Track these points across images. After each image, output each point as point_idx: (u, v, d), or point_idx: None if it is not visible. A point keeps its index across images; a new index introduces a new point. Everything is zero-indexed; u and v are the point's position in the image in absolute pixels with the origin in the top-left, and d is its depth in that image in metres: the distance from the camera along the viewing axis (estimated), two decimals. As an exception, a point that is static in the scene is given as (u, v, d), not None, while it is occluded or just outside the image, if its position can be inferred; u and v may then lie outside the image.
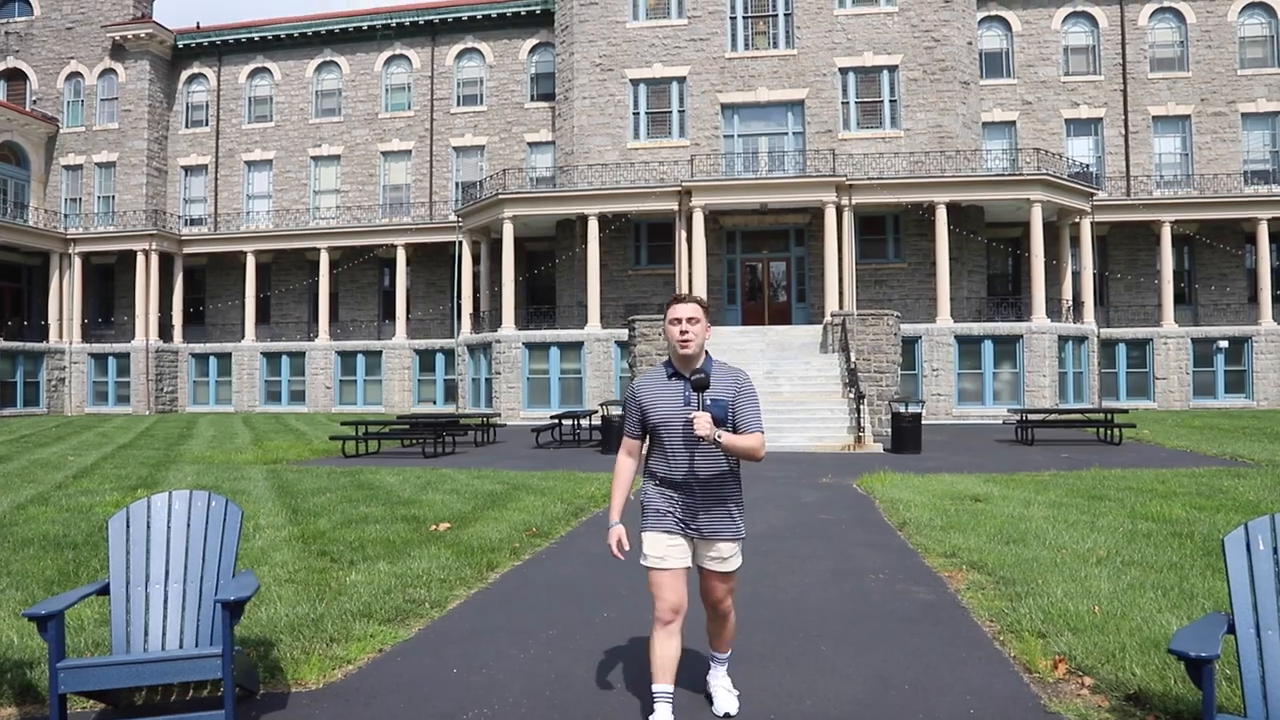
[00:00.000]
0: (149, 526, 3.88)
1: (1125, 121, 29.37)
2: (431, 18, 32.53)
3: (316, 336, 32.09)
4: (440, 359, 31.00)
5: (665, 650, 3.47)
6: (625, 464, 3.69)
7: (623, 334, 24.51)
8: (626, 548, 3.55)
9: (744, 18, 28.15)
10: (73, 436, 20.92)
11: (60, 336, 32.64)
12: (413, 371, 31.23)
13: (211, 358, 33.04)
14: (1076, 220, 26.72)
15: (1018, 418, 18.21)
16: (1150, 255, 28.96)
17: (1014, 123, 29.65)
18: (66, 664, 3.44)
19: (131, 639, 3.74)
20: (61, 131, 35.03)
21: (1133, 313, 28.97)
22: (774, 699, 3.93)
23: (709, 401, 3.45)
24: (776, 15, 28.01)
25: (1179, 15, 29.42)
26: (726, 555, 3.57)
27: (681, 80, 28.17)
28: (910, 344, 23.84)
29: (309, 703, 4.00)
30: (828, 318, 22.15)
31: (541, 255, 29.77)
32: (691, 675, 4.12)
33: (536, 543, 7.66)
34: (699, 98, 27.92)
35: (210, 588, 3.82)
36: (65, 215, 34.74)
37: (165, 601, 3.80)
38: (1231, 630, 3.03)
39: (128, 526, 3.86)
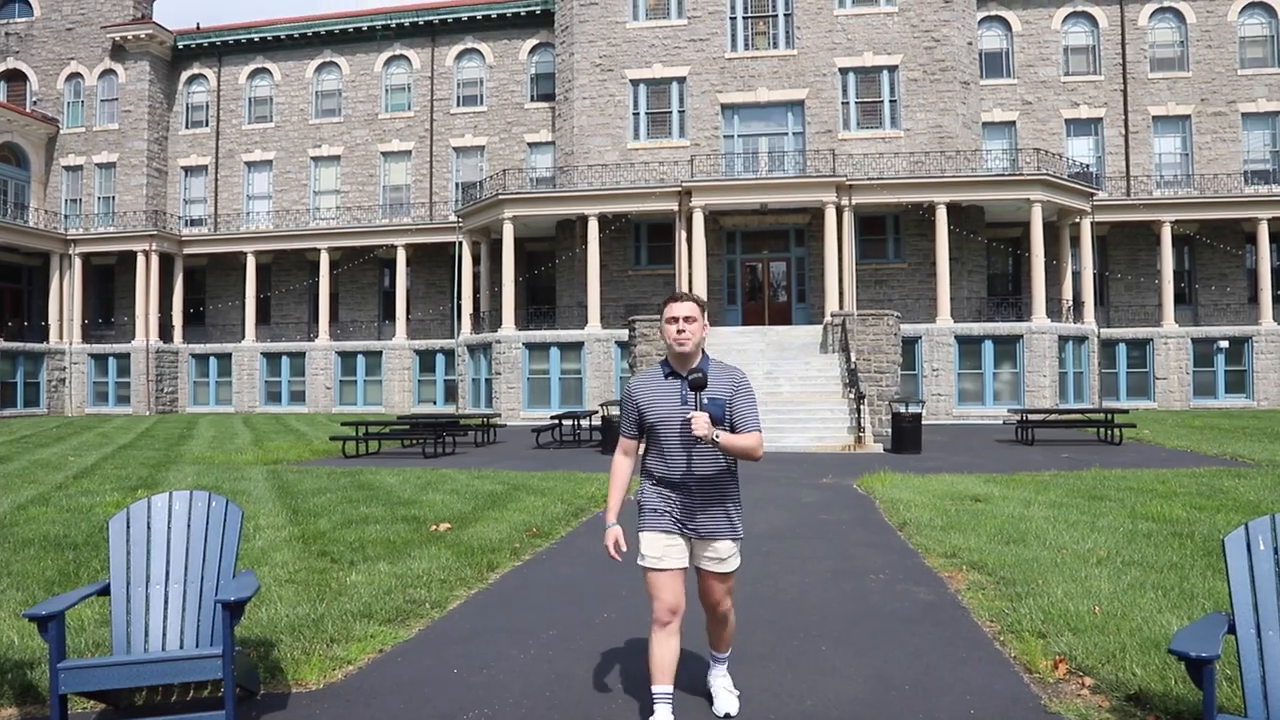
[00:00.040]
0: (149, 527, 3.88)
1: (1125, 121, 29.38)
2: (431, 18, 32.54)
3: (317, 337, 32.09)
4: (440, 359, 31.00)
5: (664, 651, 3.46)
6: (622, 464, 3.67)
7: (623, 334, 24.51)
8: (624, 549, 3.53)
9: (744, 18, 28.15)
10: (73, 437, 20.92)
11: (60, 337, 32.65)
12: (413, 372, 31.23)
13: (212, 358, 33.04)
14: (1077, 220, 26.72)
15: (1018, 418, 18.21)
16: (1150, 255, 28.95)
17: (1014, 123, 29.66)
18: (67, 664, 3.44)
19: (132, 639, 3.74)
20: (62, 132, 35.04)
21: (1133, 313, 28.97)
22: (774, 699, 3.93)
23: (706, 401, 3.43)
24: (776, 15, 28.01)
25: (1179, 15, 29.43)
26: (724, 556, 3.54)
27: (681, 80, 28.17)
28: (910, 344, 23.84)
29: (309, 703, 4.00)
30: (828, 318, 22.14)
31: (542, 255, 29.77)
32: (691, 676, 4.12)
33: (537, 543, 7.65)
34: (699, 98, 27.92)
35: (210, 588, 3.82)
36: (65, 216, 34.75)
37: (165, 602, 3.80)
38: (1232, 630, 3.03)
39: (128, 527, 3.86)
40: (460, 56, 32.87)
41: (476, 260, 29.18)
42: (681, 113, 28.16)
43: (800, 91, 27.51)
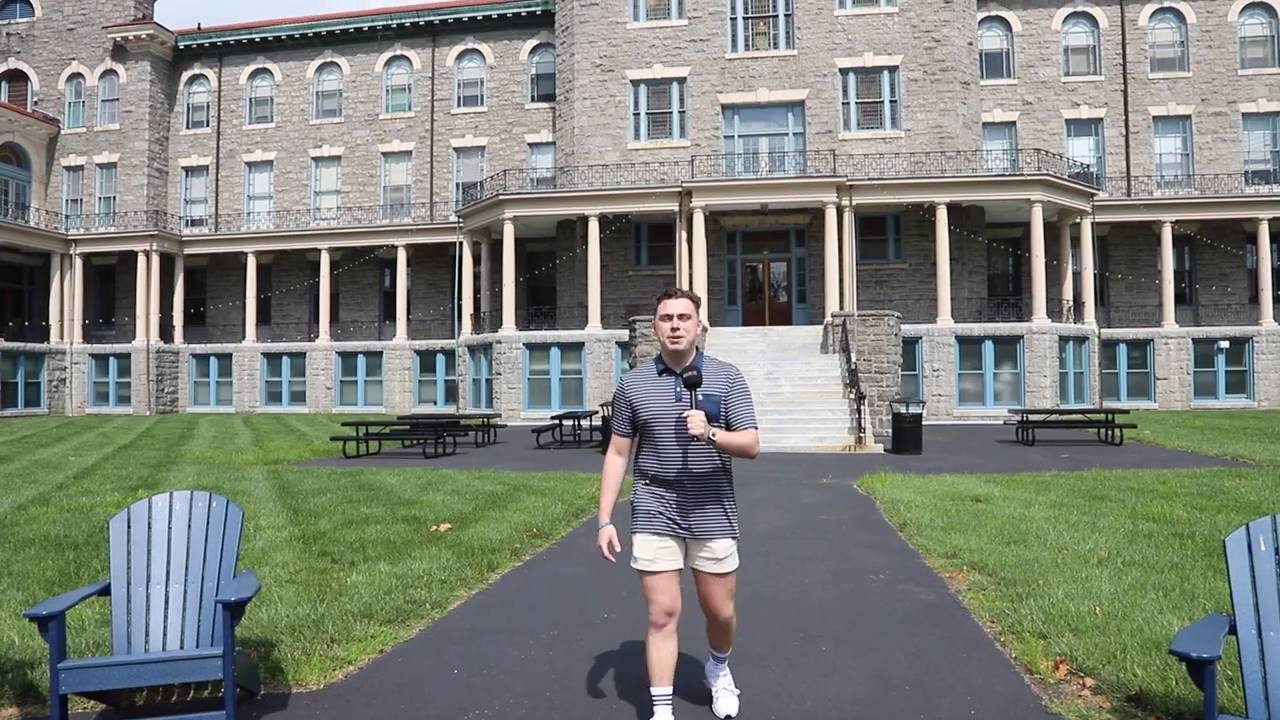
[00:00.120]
0: (150, 527, 3.88)
1: (1126, 122, 29.37)
2: (432, 19, 32.55)
3: (317, 337, 32.10)
4: (441, 360, 31.01)
5: (662, 653, 3.44)
6: (614, 463, 3.61)
7: (623, 334, 24.51)
8: (618, 549, 3.48)
9: (744, 18, 28.15)
10: (74, 437, 20.93)
11: (61, 337, 32.66)
12: (413, 372, 31.24)
13: (212, 358, 33.05)
14: (1077, 220, 26.72)
15: (1018, 418, 18.20)
16: (1151, 255, 28.94)
17: (1014, 123, 29.65)
18: (67, 664, 3.44)
19: (132, 639, 3.74)
20: (63, 132, 35.06)
21: (1133, 313, 28.96)
22: (775, 699, 3.93)
23: (701, 398, 3.39)
24: (777, 16, 28.02)
25: (1179, 15, 29.42)
26: (721, 555, 3.48)
27: (682, 81, 28.17)
28: (911, 344, 23.84)
29: (310, 703, 4.00)
30: (828, 318, 22.14)
31: (542, 256, 29.78)
32: (689, 677, 4.12)
33: (537, 543, 7.65)
34: (699, 98, 27.92)
35: (211, 588, 3.82)
36: (66, 216, 34.76)
37: (166, 602, 3.80)
38: (1233, 631, 3.03)
39: (129, 527, 3.86)
40: (461, 57, 32.88)
41: (477, 260, 29.18)
42: (682, 113, 28.16)
43: (801, 92, 27.51)
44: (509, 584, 6.25)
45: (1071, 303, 26.60)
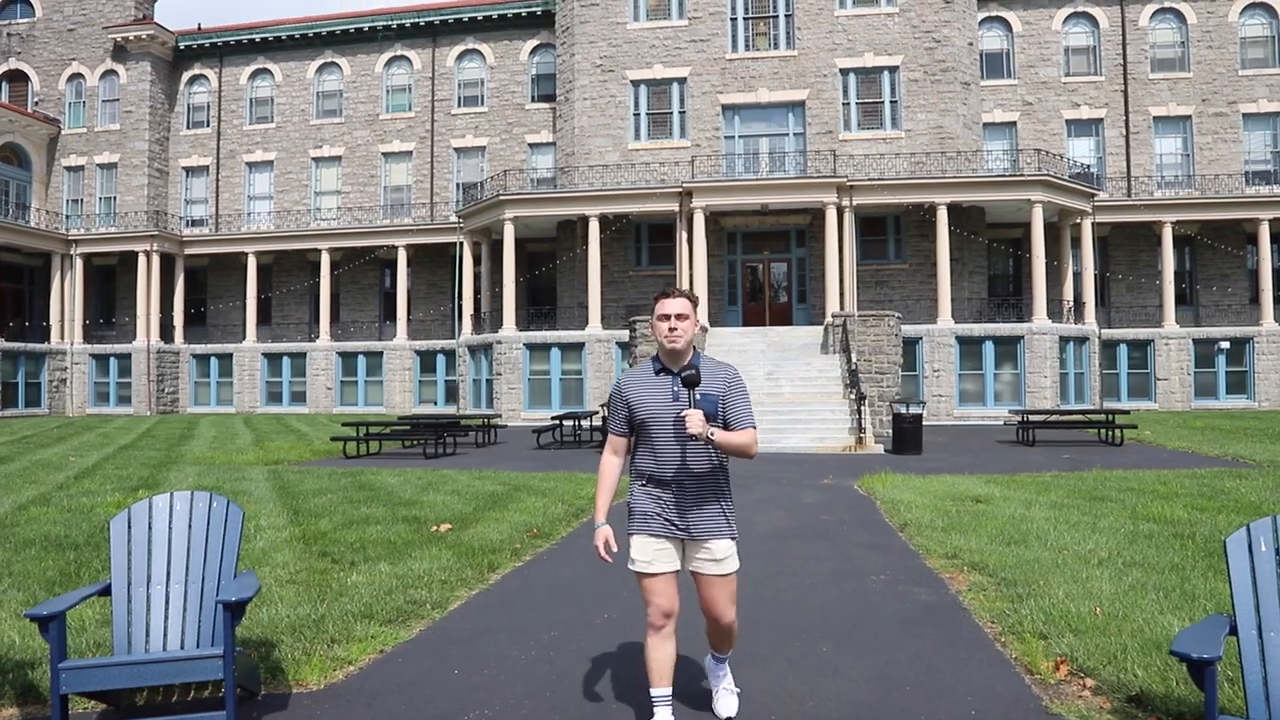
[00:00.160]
0: (150, 527, 3.88)
1: (1126, 122, 29.37)
2: (432, 19, 32.56)
3: (317, 337, 32.10)
4: (441, 360, 31.01)
5: (660, 654, 3.43)
6: (610, 463, 3.59)
7: (624, 335, 24.52)
8: (614, 549, 3.46)
9: (744, 19, 28.16)
10: (74, 437, 20.93)
11: (62, 337, 32.67)
12: (414, 372, 31.24)
13: (213, 359, 33.06)
14: (1077, 221, 26.72)
15: (1019, 418, 18.20)
16: (1151, 256, 28.94)
17: (1015, 123, 29.65)
18: (68, 664, 3.44)
19: (133, 640, 3.74)
20: (63, 133, 35.07)
21: (1134, 313, 28.96)
22: (776, 700, 3.93)
23: (699, 397, 3.36)
24: (777, 16, 28.02)
25: (1180, 16, 29.42)
26: (720, 556, 3.44)
27: (682, 81, 28.18)
28: (911, 345, 23.84)
29: (310, 703, 4.00)
30: (829, 319, 22.14)
31: (542, 256, 29.78)
32: (690, 678, 4.12)
33: (537, 544, 7.66)
34: (700, 99, 27.93)
35: (211, 588, 3.82)
36: (67, 216, 34.77)
37: (166, 602, 3.80)
38: (1233, 632, 3.02)
39: (129, 527, 3.86)
40: (461, 57, 32.89)
41: (477, 261, 29.19)
42: (682, 113, 28.17)
43: (801, 92, 27.51)
44: (509, 584, 6.26)
45: (1072, 303, 26.60)
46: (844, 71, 27.45)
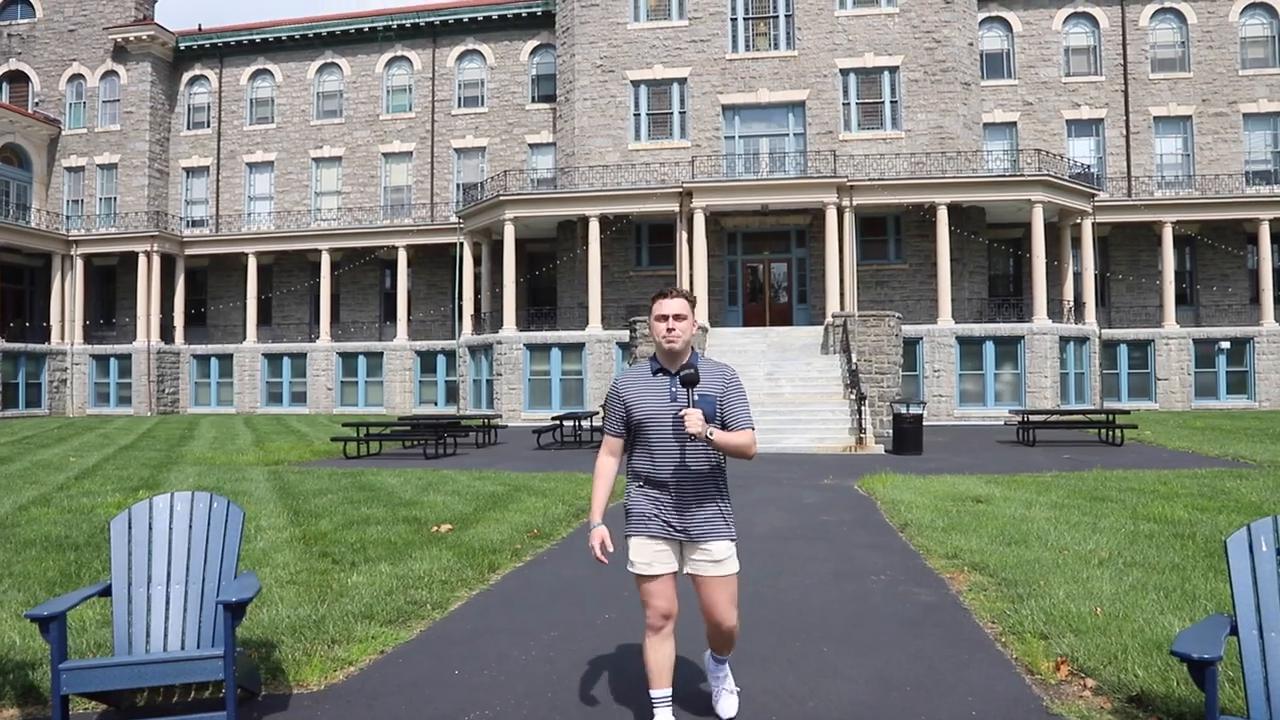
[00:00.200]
0: (151, 528, 3.88)
1: (1126, 122, 29.36)
2: (432, 19, 32.57)
3: (318, 338, 32.11)
4: (441, 360, 31.01)
5: (660, 655, 3.42)
6: (607, 463, 3.55)
7: (624, 335, 24.52)
8: (610, 549, 3.42)
9: (745, 19, 28.16)
10: (74, 438, 20.94)
11: (62, 338, 32.68)
12: (414, 373, 31.24)
13: (213, 359, 33.06)
14: (1078, 221, 26.71)
15: (1019, 419, 18.20)
16: (1152, 256, 28.94)
17: (1015, 123, 29.65)
18: (69, 665, 3.44)
19: (133, 640, 3.74)
20: (63, 133, 35.09)
21: (1134, 313, 28.95)
22: (776, 700, 3.93)
23: (697, 398, 3.34)
24: (777, 16, 28.02)
25: (1180, 16, 29.42)
26: (719, 557, 3.40)
27: (682, 81, 28.18)
28: (911, 345, 23.84)
29: (311, 704, 4.00)
30: (829, 319, 22.15)
31: (543, 256, 29.78)
32: (689, 679, 4.12)
33: (538, 544, 7.66)
34: (700, 99, 27.93)
35: (212, 589, 3.82)
36: (67, 217, 34.79)
37: (167, 603, 3.80)
38: (1234, 632, 3.02)
39: (129, 528, 3.87)
40: (461, 58, 32.89)
41: (478, 261, 29.20)
42: (682, 114, 28.17)
43: (801, 92, 27.52)
44: (510, 585, 6.25)
45: (1072, 303, 26.60)
46: (844, 72, 27.45)
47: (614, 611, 5.42)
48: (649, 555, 3.40)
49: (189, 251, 33.47)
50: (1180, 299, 28.54)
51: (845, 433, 17.20)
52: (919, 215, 25.99)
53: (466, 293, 28.63)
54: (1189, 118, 29.25)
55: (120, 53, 34.36)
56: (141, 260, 32.10)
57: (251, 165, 34.55)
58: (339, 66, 33.88)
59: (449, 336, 31.27)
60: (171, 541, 3.87)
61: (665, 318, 3.41)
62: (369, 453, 16.64)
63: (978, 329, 24.22)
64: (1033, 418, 17.71)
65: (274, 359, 32.43)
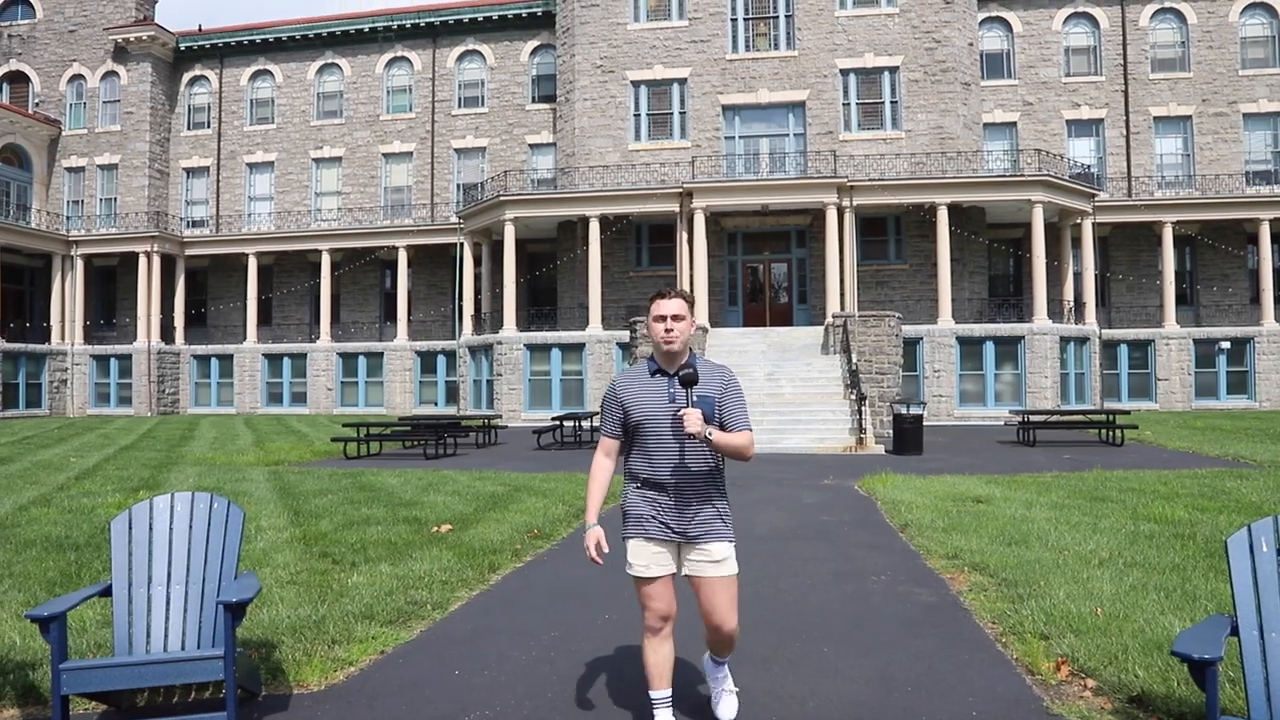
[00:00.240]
0: (151, 528, 3.88)
1: (1126, 122, 29.36)
2: (433, 20, 32.58)
3: (318, 338, 32.11)
4: (442, 360, 31.02)
5: (659, 656, 3.42)
6: (602, 465, 3.51)
7: (624, 335, 24.53)
8: (605, 550, 3.39)
9: (745, 19, 28.17)
10: (75, 438, 20.94)
11: (62, 338, 32.68)
12: (414, 373, 31.25)
13: (213, 359, 33.07)
14: (1078, 221, 26.71)
15: (1019, 419, 18.19)
16: (1152, 256, 28.94)
17: (1015, 124, 29.65)
18: (69, 665, 3.44)
19: (134, 640, 3.74)
20: (64, 134, 35.09)
21: (1134, 313, 28.95)
22: (777, 701, 3.93)
23: (696, 398, 3.31)
24: (777, 17, 28.02)
25: (1180, 16, 29.42)
26: (718, 557, 3.37)
27: (682, 82, 28.19)
28: (912, 345, 23.84)
29: (311, 704, 4.00)
30: (829, 319, 22.14)
31: (543, 257, 29.79)
32: (688, 682, 4.12)
33: (538, 544, 7.66)
34: (700, 99, 27.93)
35: (212, 589, 3.82)
36: (67, 217, 34.79)
37: (167, 603, 3.80)
38: (1235, 632, 3.02)
39: (130, 528, 3.87)
40: (461, 58, 32.90)
41: (478, 261, 29.20)
42: (682, 114, 28.17)
43: (801, 93, 27.52)
44: (510, 585, 6.25)
45: (1072, 303, 26.60)
46: (844, 72, 27.45)
47: (614, 612, 5.42)
48: (647, 558, 3.38)
49: (189, 252, 33.47)
50: (1180, 299, 28.54)
51: (845, 433, 17.20)
52: (919, 215, 25.99)
53: (467, 293, 28.63)
54: (1189, 118, 29.26)
55: (120, 53, 34.37)
56: (142, 260, 32.10)
57: (252, 166, 34.56)
58: (339, 67, 33.89)
59: (449, 337, 31.28)
60: (172, 542, 3.87)
61: (663, 318, 3.39)
62: (369, 453, 16.64)
63: (978, 329, 24.22)
64: (1033, 418, 17.71)
65: (274, 359, 32.43)
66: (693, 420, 3.21)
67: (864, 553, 7.17)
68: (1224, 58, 29.15)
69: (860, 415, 17.03)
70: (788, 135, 27.73)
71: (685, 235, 25.42)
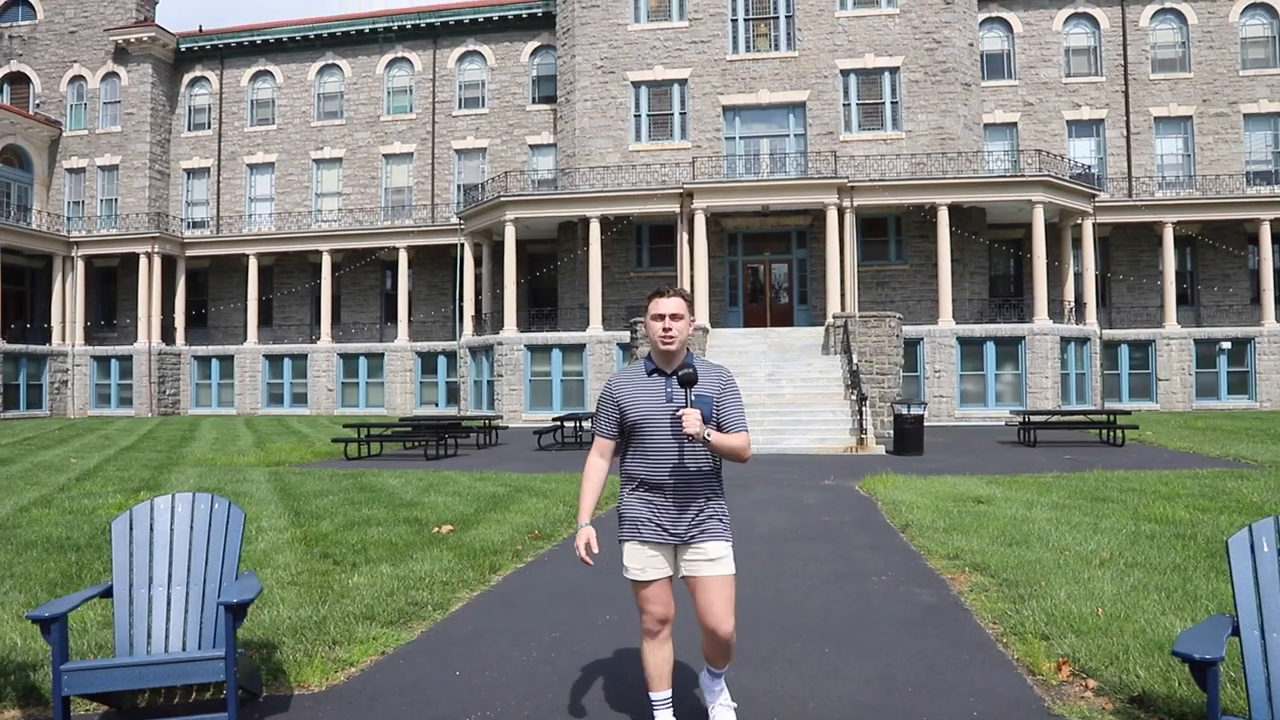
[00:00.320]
0: (152, 529, 3.88)
1: (1127, 122, 29.36)
2: (433, 20, 32.59)
3: (318, 339, 32.12)
4: (442, 361, 31.02)
5: (658, 658, 3.40)
6: (597, 465, 3.47)
7: (624, 336, 24.53)
8: (595, 550, 3.34)
9: (745, 20, 28.17)
10: (75, 439, 20.95)
11: (63, 339, 32.70)
12: (415, 374, 31.25)
13: (214, 360, 33.08)
14: (1078, 221, 26.71)
15: (1020, 419, 18.19)
16: (1152, 256, 28.93)
17: (1015, 124, 29.65)
18: (70, 666, 3.44)
19: (134, 641, 3.74)
20: (64, 134, 35.11)
21: (1135, 314, 28.94)
22: (778, 701, 3.93)
23: (694, 398, 3.28)
24: (778, 17, 28.03)
25: (1180, 16, 29.42)
26: (715, 555, 3.32)
27: (683, 82, 28.19)
28: (912, 345, 23.83)
29: (312, 705, 4.00)
30: (830, 319, 22.14)
31: (543, 257, 29.79)
32: (684, 682, 4.12)
33: (539, 545, 7.66)
34: (700, 100, 27.94)
35: (213, 590, 3.82)
36: (68, 218, 34.81)
37: (168, 604, 3.80)
38: (1236, 632, 3.02)
39: (131, 529, 3.87)
40: (462, 59, 32.91)
41: (478, 262, 29.21)
42: (683, 115, 28.18)
43: (802, 93, 27.52)
44: (511, 585, 6.26)
45: (1073, 304, 26.59)
46: (844, 72, 27.45)
47: (615, 613, 5.42)
48: (642, 561, 3.34)
49: (190, 253, 33.48)
50: (1181, 299, 28.53)
51: (846, 433, 17.20)
52: (920, 216, 25.99)
53: (467, 294, 28.63)
54: (1189, 118, 29.25)
55: (121, 54, 34.39)
56: (142, 261, 32.12)
57: (252, 166, 34.57)
58: (340, 68, 33.90)
59: (450, 337, 31.28)
60: (173, 543, 3.87)
61: (662, 317, 3.36)
62: (370, 454, 16.64)
63: (978, 329, 24.21)
64: (1034, 418, 17.71)
65: (275, 360, 32.43)
66: (691, 420, 3.18)
67: (865, 553, 7.17)
68: (1224, 58, 29.14)
69: (861, 416, 17.03)
70: (788, 136, 27.73)
71: (686, 236, 25.42)
